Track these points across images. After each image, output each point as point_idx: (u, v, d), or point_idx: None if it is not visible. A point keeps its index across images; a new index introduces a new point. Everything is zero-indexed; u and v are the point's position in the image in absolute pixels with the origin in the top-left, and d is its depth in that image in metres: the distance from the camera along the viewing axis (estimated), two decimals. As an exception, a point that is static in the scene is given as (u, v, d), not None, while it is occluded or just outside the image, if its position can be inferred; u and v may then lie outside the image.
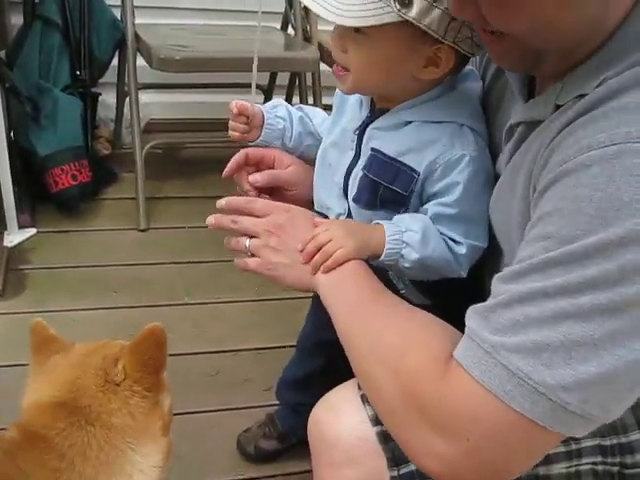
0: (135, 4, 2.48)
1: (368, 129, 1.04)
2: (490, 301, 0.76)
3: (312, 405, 0.96)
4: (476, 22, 0.81)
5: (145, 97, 2.66)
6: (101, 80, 2.65)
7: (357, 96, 1.07)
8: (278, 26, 2.85)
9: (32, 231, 2.28)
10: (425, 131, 0.99)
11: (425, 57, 0.95)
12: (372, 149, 1.02)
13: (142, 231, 2.39)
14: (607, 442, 0.91)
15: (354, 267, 0.94)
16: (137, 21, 2.49)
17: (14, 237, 2.22)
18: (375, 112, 1.04)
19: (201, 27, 2.78)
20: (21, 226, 2.25)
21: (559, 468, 0.89)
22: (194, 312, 2.03)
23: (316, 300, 1.32)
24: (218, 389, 1.76)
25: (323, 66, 2.56)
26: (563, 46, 0.78)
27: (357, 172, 1.04)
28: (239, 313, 2.05)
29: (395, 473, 0.87)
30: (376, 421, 0.87)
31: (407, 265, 0.98)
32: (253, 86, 1.20)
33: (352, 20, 0.90)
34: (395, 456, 0.86)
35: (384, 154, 1.01)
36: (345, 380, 0.93)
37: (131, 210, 2.42)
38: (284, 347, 1.83)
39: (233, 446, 1.57)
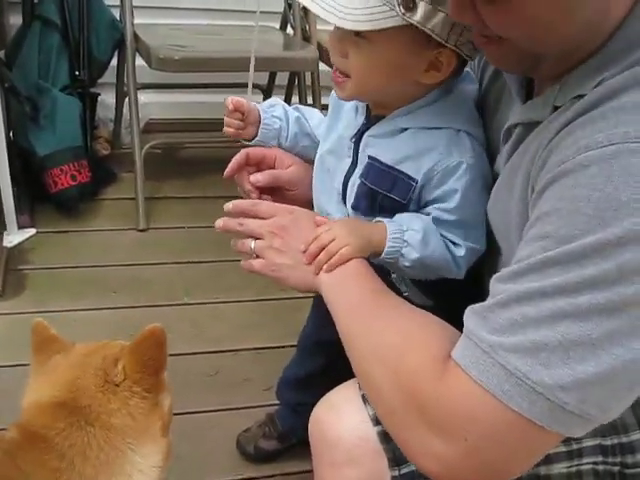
0: (134, 4, 2.48)
1: (364, 136, 1.03)
2: (488, 301, 0.76)
3: (312, 405, 0.96)
4: (475, 26, 0.81)
5: (144, 97, 2.66)
6: (100, 80, 2.64)
7: (353, 102, 1.07)
8: (277, 26, 2.85)
9: (31, 231, 2.28)
10: (421, 138, 0.99)
11: (427, 61, 0.94)
12: (369, 157, 1.02)
13: (141, 231, 2.39)
14: (608, 442, 0.91)
15: (356, 266, 0.95)
16: (136, 21, 2.49)
17: (14, 237, 2.22)
18: (371, 119, 1.04)
19: (200, 27, 2.78)
20: (20, 226, 2.25)
21: (560, 468, 0.89)
22: (193, 312, 2.03)
23: (317, 300, 1.32)
24: (218, 389, 1.76)
25: (322, 66, 2.56)
26: (562, 48, 0.78)
27: (355, 180, 1.04)
28: (239, 313, 2.05)
29: (396, 473, 0.87)
30: (377, 421, 0.87)
31: (407, 264, 0.98)
32: (250, 84, 1.20)
33: (354, 24, 0.89)
34: (396, 456, 0.86)
35: (381, 162, 1.00)
36: (346, 380, 0.93)
37: (130, 210, 2.42)
38: (284, 347, 1.83)
39: (233, 446, 1.57)
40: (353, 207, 1.04)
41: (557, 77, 0.81)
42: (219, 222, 1.03)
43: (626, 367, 0.68)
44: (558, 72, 0.81)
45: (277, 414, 1.53)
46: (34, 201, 2.38)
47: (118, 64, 2.65)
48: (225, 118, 1.13)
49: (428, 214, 1.00)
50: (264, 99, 1.20)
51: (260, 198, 1.11)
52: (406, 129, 1.00)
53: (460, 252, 0.99)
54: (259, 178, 1.11)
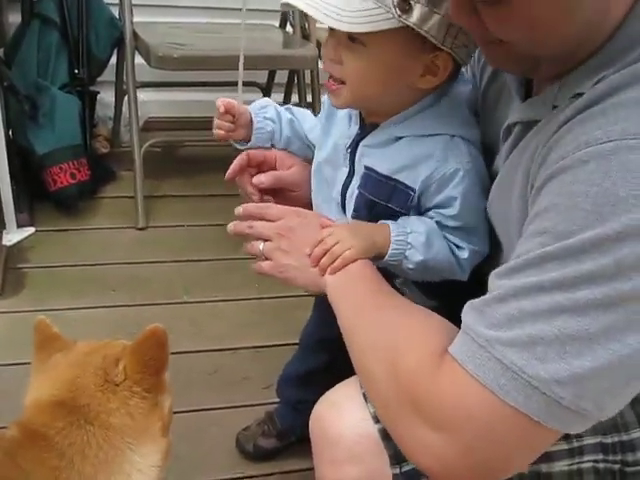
0: (133, 2, 2.48)
1: (360, 146, 1.03)
2: (486, 296, 0.76)
3: (312, 402, 0.96)
4: (475, 30, 0.81)
5: (143, 95, 2.65)
6: (99, 78, 2.64)
7: (346, 110, 1.06)
8: (276, 24, 2.85)
9: (31, 230, 2.28)
10: (417, 146, 0.98)
11: (423, 65, 0.94)
12: (365, 167, 1.01)
13: (141, 229, 2.39)
14: (608, 440, 0.91)
15: (360, 268, 0.95)
16: (135, 19, 2.49)
17: (13, 236, 2.22)
18: (365, 127, 1.03)
19: (199, 25, 2.78)
20: (20, 225, 2.25)
21: (561, 465, 0.89)
22: (193, 310, 2.03)
23: (319, 299, 1.32)
24: (217, 387, 1.76)
25: (322, 64, 2.56)
26: (562, 49, 0.78)
27: (353, 190, 1.04)
28: (238, 311, 2.05)
29: (397, 470, 0.87)
30: (378, 419, 0.87)
31: (410, 266, 0.98)
32: (240, 84, 1.19)
33: (350, 26, 0.88)
34: (397, 453, 0.85)
35: (378, 173, 1.00)
36: (346, 378, 0.94)
37: (130, 208, 2.42)
38: (283, 345, 1.84)
39: (232, 444, 1.57)
40: (353, 217, 1.04)
41: (557, 77, 0.81)
42: (230, 226, 1.06)
43: (623, 362, 0.68)
44: (558, 73, 0.81)
45: (276, 412, 1.53)
46: (33, 199, 2.38)
47: (117, 62, 2.65)
48: (215, 120, 1.12)
49: (431, 218, 1.00)
50: (263, 97, 1.19)
51: (262, 200, 1.11)
52: (401, 138, 0.99)
53: (464, 255, 0.99)
54: (262, 180, 1.11)
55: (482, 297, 0.76)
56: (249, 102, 1.17)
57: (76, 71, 2.50)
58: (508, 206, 0.86)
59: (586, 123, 0.72)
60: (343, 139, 1.06)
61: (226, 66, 2.38)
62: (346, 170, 1.05)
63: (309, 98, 2.74)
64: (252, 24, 2.62)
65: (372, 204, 1.01)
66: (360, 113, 1.04)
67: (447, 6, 0.87)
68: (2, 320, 1.89)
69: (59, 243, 2.26)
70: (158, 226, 2.42)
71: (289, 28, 2.80)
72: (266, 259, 1.02)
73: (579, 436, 0.89)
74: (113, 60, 2.64)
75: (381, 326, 0.87)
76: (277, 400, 1.53)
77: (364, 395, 0.89)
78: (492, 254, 0.98)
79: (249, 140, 1.13)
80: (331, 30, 0.94)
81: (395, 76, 0.95)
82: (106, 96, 2.75)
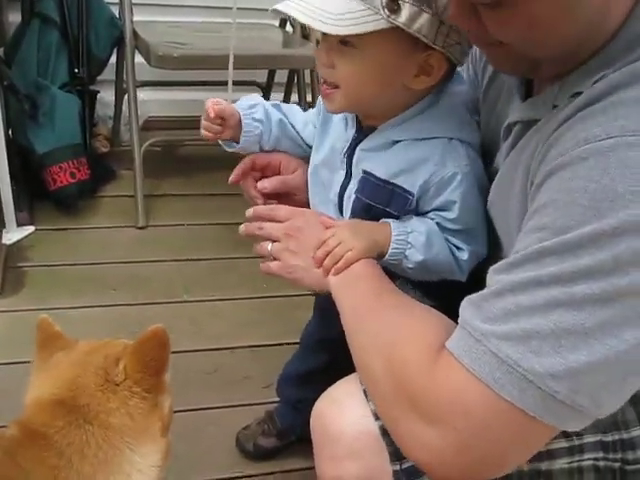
0: (133, 2, 2.47)
1: (357, 150, 1.03)
2: (484, 291, 0.76)
3: (312, 401, 0.96)
4: (475, 32, 0.80)
5: (143, 94, 2.65)
6: (99, 78, 2.64)
7: (341, 115, 1.05)
8: (276, 23, 2.85)
9: (30, 229, 2.28)
10: (414, 150, 0.98)
11: (416, 65, 0.93)
12: (364, 171, 1.01)
13: (141, 229, 2.39)
14: (609, 438, 0.91)
15: (363, 267, 0.95)
16: (135, 18, 2.48)
17: (13, 235, 2.22)
18: (362, 130, 1.03)
19: (199, 24, 2.78)
20: (19, 224, 2.25)
21: (561, 463, 0.90)
22: (192, 309, 2.03)
23: (319, 299, 1.32)
24: (217, 386, 1.76)
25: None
26: (563, 50, 0.78)
27: (350, 193, 1.04)
28: (237, 310, 2.05)
29: (397, 467, 0.87)
30: (378, 415, 0.87)
31: (410, 266, 0.98)
32: (229, 83, 1.19)
33: (339, 29, 0.88)
34: (397, 450, 0.85)
35: (376, 177, 1.00)
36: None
37: (129, 208, 2.42)
38: (283, 345, 1.84)
39: (232, 443, 1.57)
40: None
41: (557, 77, 0.81)
42: (242, 227, 1.08)
43: (619, 358, 0.68)
44: (558, 73, 0.81)
45: (276, 412, 1.53)
46: (33, 199, 2.38)
47: (117, 61, 2.65)
48: (203, 122, 1.11)
49: (432, 219, 1.00)
50: (264, 97, 1.19)
51: (266, 203, 1.12)
52: (398, 141, 0.99)
53: (464, 256, 0.99)
54: (266, 185, 1.12)
55: (480, 292, 0.77)
56: (241, 100, 1.16)
57: (76, 70, 2.50)
58: (508, 204, 0.87)
59: (586, 121, 0.73)
60: (340, 142, 1.06)
61: (226, 65, 2.38)
62: (343, 173, 1.05)
63: (309, 97, 2.74)
64: (252, 23, 2.63)
65: (369, 208, 1.01)
66: (357, 116, 1.04)
67: (437, 5, 0.87)
68: (2, 319, 1.89)
69: (59, 242, 2.26)
70: (158, 225, 2.42)
71: (289, 27, 2.80)
72: (274, 259, 1.03)
73: (579, 434, 0.89)
74: (113, 59, 2.64)
75: (381, 324, 0.87)
76: (277, 399, 1.53)
77: (365, 392, 0.89)
78: (492, 253, 0.98)
79: (237, 140, 1.12)
80: (323, 35, 0.93)
81: (388, 78, 0.94)
82: (106, 95, 2.75)
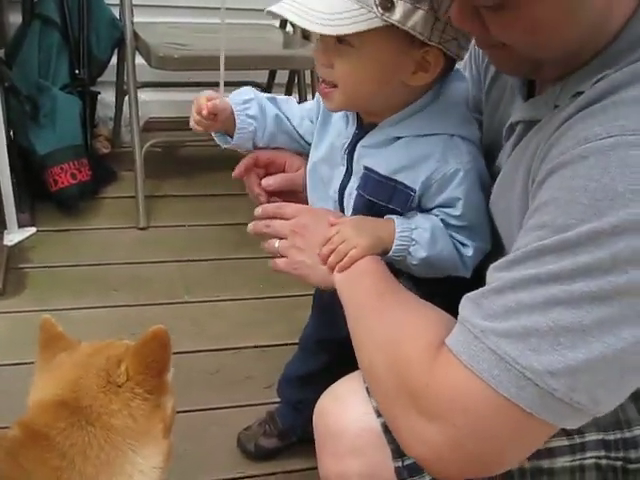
0: (134, 3, 2.48)
1: (358, 146, 1.03)
2: (483, 288, 0.76)
3: (313, 402, 0.97)
4: (478, 34, 0.81)
5: (144, 95, 2.65)
6: (100, 79, 2.64)
7: (341, 112, 1.05)
8: (277, 24, 2.85)
9: (32, 230, 2.28)
10: (416, 146, 0.98)
11: (414, 62, 0.93)
12: (365, 168, 1.01)
13: (142, 229, 2.39)
14: (611, 437, 0.91)
15: (367, 265, 0.96)
16: (136, 20, 2.49)
17: (14, 236, 2.22)
18: (363, 127, 1.03)
19: (199, 25, 2.77)
20: (21, 225, 2.25)
21: (563, 462, 0.90)
22: (194, 310, 2.03)
23: (317, 300, 1.32)
24: (219, 387, 1.76)
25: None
26: (565, 51, 0.78)
27: (351, 190, 1.04)
28: (239, 311, 2.05)
29: (399, 464, 0.87)
30: (380, 412, 0.88)
31: (414, 262, 0.98)
32: (221, 83, 1.19)
33: (333, 29, 0.88)
34: (399, 447, 0.86)
35: (378, 173, 1.00)
36: (347, 376, 0.94)
37: (131, 208, 2.42)
38: (285, 345, 1.84)
39: (233, 444, 1.57)
40: None
41: (559, 78, 0.81)
42: (250, 226, 1.08)
43: (617, 356, 0.68)
44: (560, 74, 0.81)
45: (277, 412, 1.53)
46: (34, 200, 2.38)
47: (118, 63, 2.65)
48: (195, 116, 1.11)
49: (436, 216, 1.00)
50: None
51: (269, 201, 1.12)
52: (400, 138, 0.99)
53: (468, 252, 0.99)
54: (271, 182, 1.12)
55: (479, 289, 0.77)
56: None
57: (77, 71, 2.50)
58: (510, 203, 0.87)
59: (586, 120, 0.73)
60: (340, 139, 1.06)
61: (227, 66, 2.38)
62: (343, 169, 1.05)
63: (309, 98, 2.74)
64: (252, 24, 2.63)
65: (371, 205, 1.01)
66: (358, 113, 1.04)
67: (432, 1, 0.87)
68: (3, 320, 1.89)
69: (60, 243, 2.26)
70: (159, 226, 2.42)
71: (289, 28, 2.80)
72: (282, 256, 1.04)
73: (581, 432, 0.89)
74: (114, 60, 2.64)
75: (384, 321, 0.87)
76: (278, 400, 1.53)
77: (367, 389, 0.90)
78: (493, 252, 0.98)
79: (230, 133, 1.12)
80: (321, 35, 0.93)
81: (386, 75, 0.94)
82: (107, 96, 2.75)
